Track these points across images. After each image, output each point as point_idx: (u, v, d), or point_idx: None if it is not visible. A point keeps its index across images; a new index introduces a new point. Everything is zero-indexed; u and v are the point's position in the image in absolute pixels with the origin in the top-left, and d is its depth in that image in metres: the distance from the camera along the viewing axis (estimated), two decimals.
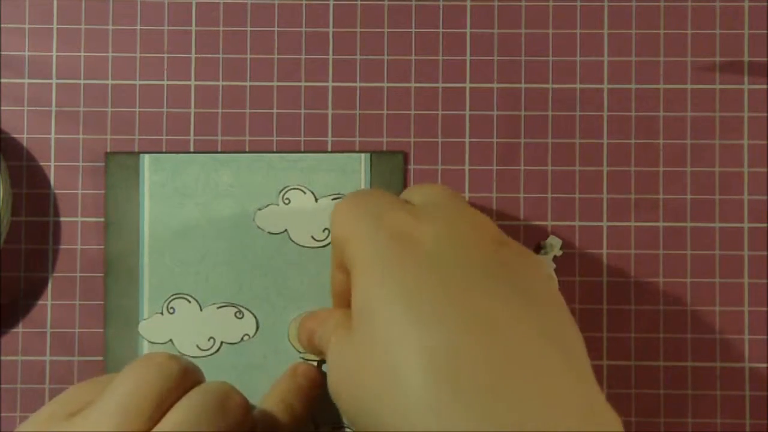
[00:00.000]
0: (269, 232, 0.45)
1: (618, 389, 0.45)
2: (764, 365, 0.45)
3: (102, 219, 0.45)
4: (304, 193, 0.45)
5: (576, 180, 0.45)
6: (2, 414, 0.44)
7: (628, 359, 0.45)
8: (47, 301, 0.45)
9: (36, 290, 0.45)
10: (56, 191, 0.45)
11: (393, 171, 0.45)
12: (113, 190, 0.44)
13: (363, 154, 0.45)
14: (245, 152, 0.45)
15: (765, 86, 0.45)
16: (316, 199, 0.45)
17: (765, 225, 0.45)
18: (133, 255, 0.44)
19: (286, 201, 0.45)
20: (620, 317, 0.45)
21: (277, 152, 0.45)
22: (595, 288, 0.45)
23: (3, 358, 0.44)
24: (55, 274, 0.45)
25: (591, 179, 0.45)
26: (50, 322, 0.45)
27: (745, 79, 0.45)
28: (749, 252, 0.45)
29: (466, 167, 0.45)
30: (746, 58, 0.46)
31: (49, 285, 0.45)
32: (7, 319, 0.45)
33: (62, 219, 0.45)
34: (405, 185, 0.45)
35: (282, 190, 0.45)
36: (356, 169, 0.45)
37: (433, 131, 0.45)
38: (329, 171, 0.45)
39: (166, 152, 0.45)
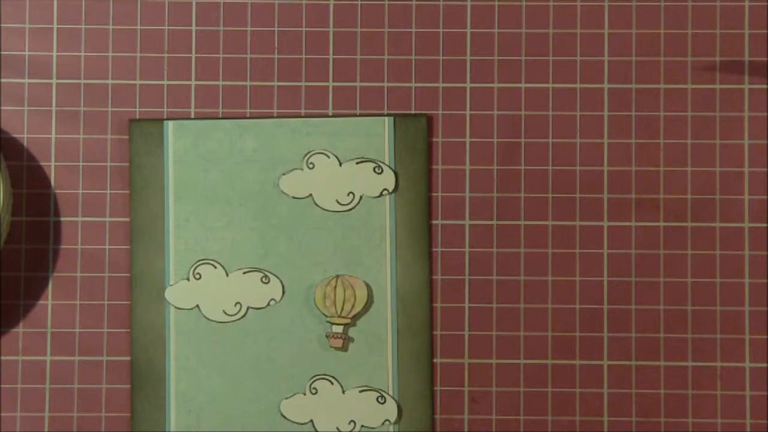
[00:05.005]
0: (294, 197, 0.45)
1: (618, 389, 0.45)
2: (764, 365, 0.45)
3: (127, 191, 0.45)
4: (328, 157, 0.45)
5: (576, 180, 0.45)
6: (2, 414, 0.44)
7: (629, 359, 0.45)
8: (47, 301, 0.45)
9: (36, 290, 0.45)
10: (56, 191, 0.45)
11: (416, 134, 0.45)
12: (138, 158, 0.45)
13: (387, 118, 0.45)
14: (269, 117, 0.45)
15: (765, 86, 0.45)
16: (341, 163, 0.45)
17: (765, 225, 0.45)
18: (158, 221, 0.45)
19: (311, 165, 0.45)
20: (620, 317, 0.45)
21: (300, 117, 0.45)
22: (595, 288, 0.45)
23: (3, 358, 0.44)
24: (55, 274, 0.45)
25: (591, 179, 0.45)
26: (50, 322, 0.45)
27: (746, 79, 0.45)
28: (749, 252, 0.45)
29: (467, 167, 0.45)
30: (746, 58, 0.46)
31: (49, 285, 0.45)
32: (7, 319, 0.45)
33: (62, 219, 0.45)
34: (429, 150, 0.45)
35: (306, 154, 0.45)
36: (380, 133, 0.45)
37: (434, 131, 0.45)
38: (353, 135, 0.45)
39: (190, 119, 0.45)
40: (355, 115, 0.45)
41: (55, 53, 0.45)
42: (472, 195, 0.45)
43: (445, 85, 0.45)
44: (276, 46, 0.46)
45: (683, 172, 0.45)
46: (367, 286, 0.44)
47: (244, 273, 0.44)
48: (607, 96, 0.45)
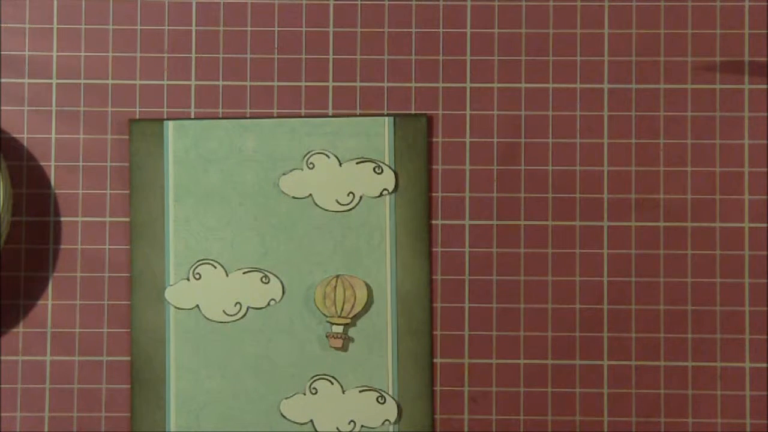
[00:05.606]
0: (294, 197, 0.45)
1: (618, 389, 0.45)
2: (764, 365, 0.45)
3: (127, 192, 0.45)
4: (328, 157, 0.45)
5: (576, 180, 0.45)
6: (2, 414, 0.44)
7: (629, 359, 0.45)
8: (47, 301, 0.45)
9: (36, 290, 0.45)
10: (56, 191, 0.45)
11: (416, 134, 0.45)
12: (137, 158, 0.45)
13: (387, 118, 0.45)
14: (269, 117, 0.45)
15: (765, 86, 0.45)
16: (340, 164, 0.45)
17: (765, 225, 0.45)
18: (158, 222, 0.45)
19: (311, 165, 0.45)
20: (620, 317, 0.45)
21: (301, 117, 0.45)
22: (595, 288, 0.45)
23: (3, 358, 0.44)
24: (55, 274, 0.45)
25: (591, 179, 0.45)
26: (50, 322, 0.45)
27: (746, 79, 0.45)
28: (749, 252, 0.45)
29: (467, 167, 0.45)
30: (746, 58, 0.46)
31: (49, 285, 0.45)
32: (7, 319, 0.45)
33: (62, 219, 0.45)
34: (429, 150, 0.45)
35: (306, 154, 0.45)
36: (380, 133, 0.45)
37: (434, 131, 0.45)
38: (353, 135, 0.45)
39: (190, 119, 0.45)
40: (355, 115, 0.45)
41: (55, 53, 0.45)
42: (472, 195, 0.45)
43: (445, 85, 0.45)
44: (276, 46, 0.46)
45: (683, 172, 0.45)
46: (367, 286, 0.44)
47: (244, 273, 0.44)
48: (607, 96, 0.45)
